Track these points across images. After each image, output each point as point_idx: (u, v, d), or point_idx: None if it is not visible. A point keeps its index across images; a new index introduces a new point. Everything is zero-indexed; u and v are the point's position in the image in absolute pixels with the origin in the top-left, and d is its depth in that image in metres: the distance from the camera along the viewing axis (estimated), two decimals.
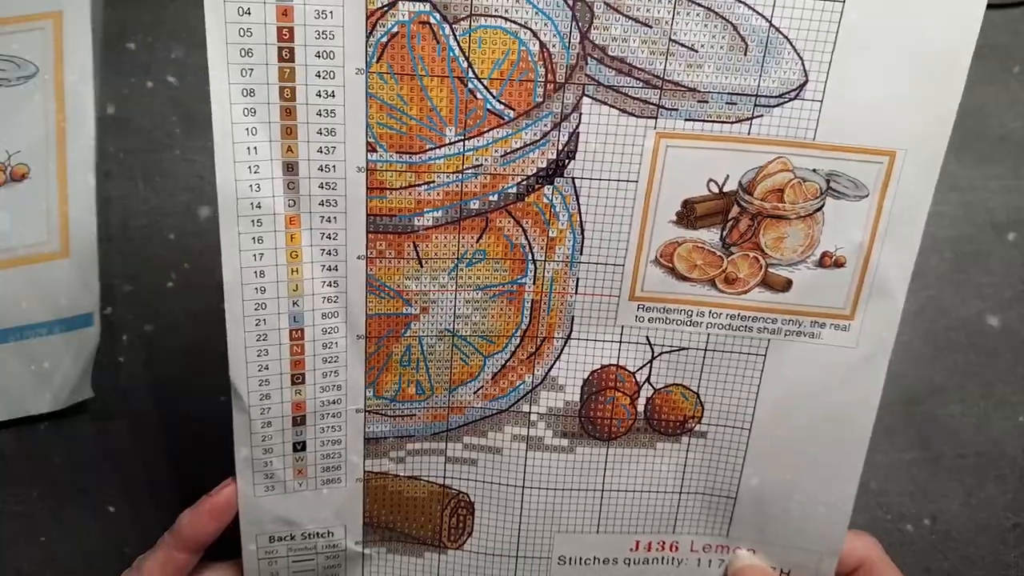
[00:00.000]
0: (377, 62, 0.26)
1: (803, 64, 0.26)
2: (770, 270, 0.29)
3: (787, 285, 0.30)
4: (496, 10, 0.26)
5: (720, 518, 0.32)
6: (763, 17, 0.26)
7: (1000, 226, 0.36)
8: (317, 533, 0.32)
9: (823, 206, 0.28)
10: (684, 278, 0.30)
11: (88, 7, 0.33)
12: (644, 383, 0.32)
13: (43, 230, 0.35)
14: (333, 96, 0.26)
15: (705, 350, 0.31)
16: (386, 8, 0.25)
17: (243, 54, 0.25)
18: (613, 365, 0.31)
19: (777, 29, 0.26)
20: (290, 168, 0.27)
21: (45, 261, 0.35)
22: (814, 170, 0.28)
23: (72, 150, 0.35)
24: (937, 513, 0.39)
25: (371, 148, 0.27)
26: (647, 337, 0.31)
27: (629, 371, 0.31)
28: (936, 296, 0.37)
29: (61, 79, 0.33)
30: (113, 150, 0.36)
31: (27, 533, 0.39)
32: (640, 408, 0.32)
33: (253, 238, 0.27)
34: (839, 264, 0.29)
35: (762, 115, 0.27)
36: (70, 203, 0.35)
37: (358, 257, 0.29)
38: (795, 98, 0.27)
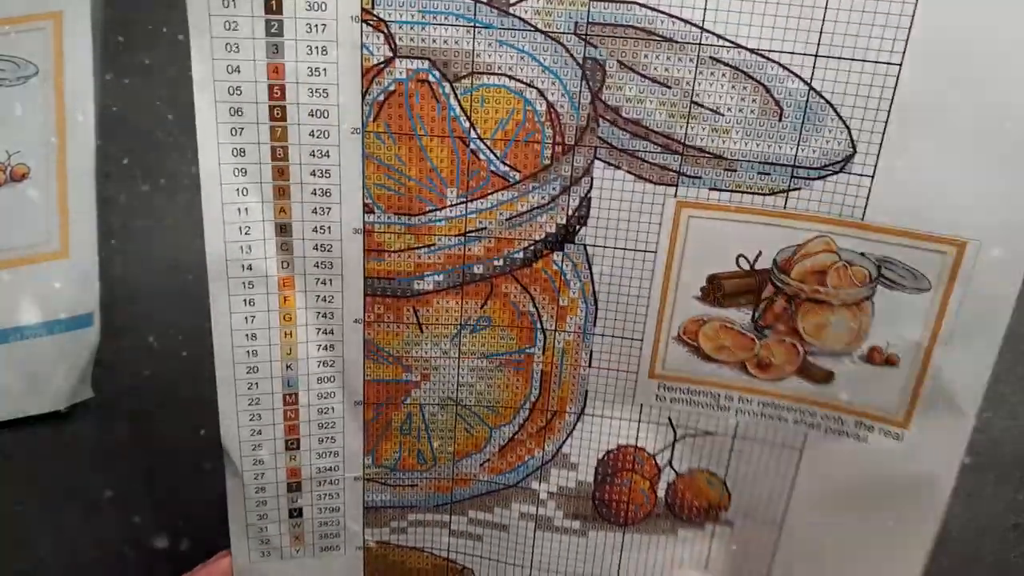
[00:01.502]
0: (373, 121, 0.25)
1: (850, 133, 0.23)
2: (809, 359, 0.26)
3: (828, 377, 0.26)
4: (499, 68, 0.24)
5: None
6: (800, 79, 0.23)
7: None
8: None
9: (873, 295, 0.25)
10: (710, 359, 0.27)
11: (88, 7, 0.33)
12: (665, 466, 0.29)
13: (43, 230, 0.35)
14: (328, 156, 0.25)
15: (734, 437, 0.28)
16: (382, 65, 0.24)
17: (233, 113, 0.24)
18: (631, 446, 0.29)
19: (818, 93, 0.23)
20: (283, 229, 0.26)
21: (45, 261, 0.35)
22: (863, 254, 0.24)
23: (72, 150, 0.34)
24: None
25: (368, 209, 0.26)
26: (669, 419, 0.28)
27: (649, 453, 0.29)
28: None
29: (61, 79, 0.33)
30: (113, 150, 0.36)
31: (27, 533, 0.39)
32: (660, 493, 0.29)
33: (244, 300, 0.26)
34: (891, 362, 0.25)
35: (800, 187, 0.24)
36: (70, 203, 0.35)
37: (355, 321, 0.27)
38: (840, 171, 0.23)
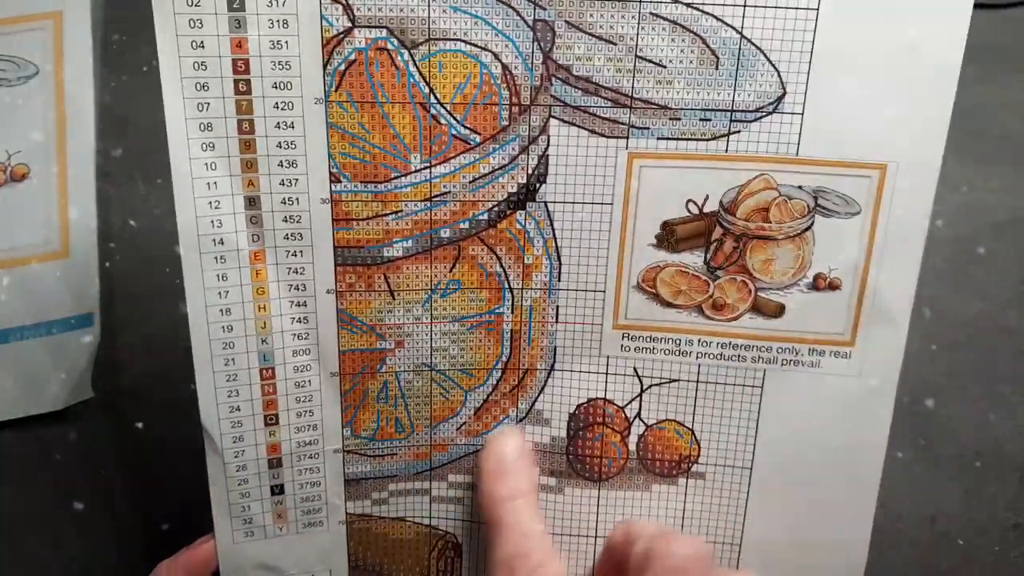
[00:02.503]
0: (336, 91, 0.26)
1: (779, 76, 0.25)
2: (760, 294, 0.28)
3: (780, 310, 0.28)
4: (455, 33, 0.25)
5: (725, 567, 0.30)
6: (733, 28, 0.25)
7: (1000, 226, 0.36)
8: None
9: (812, 225, 0.27)
10: (669, 304, 0.28)
11: (88, 7, 0.33)
12: (635, 419, 0.30)
13: (43, 230, 0.35)
14: (292, 127, 0.26)
15: (697, 382, 0.29)
16: (342, 36, 0.25)
17: (199, 88, 0.25)
18: (600, 399, 0.30)
19: (748, 40, 0.25)
20: (252, 202, 0.26)
21: (45, 261, 0.35)
22: (800, 187, 0.26)
23: (72, 150, 0.35)
24: (937, 513, 0.38)
25: (335, 179, 0.27)
26: (635, 369, 0.29)
27: (618, 405, 0.30)
28: (936, 296, 0.36)
29: (61, 79, 0.33)
30: (113, 150, 0.36)
31: (26, 533, 0.38)
32: (632, 446, 0.30)
33: (217, 275, 0.27)
34: (834, 286, 0.27)
35: (739, 131, 0.26)
36: (70, 203, 0.35)
37: (327, 291, 0.28)
38: (773, 111, 0.25)
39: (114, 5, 0.35)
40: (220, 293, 0.27)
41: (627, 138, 0.26)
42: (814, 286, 0.27)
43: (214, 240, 0.26)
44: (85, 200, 0.35)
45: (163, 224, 0.37)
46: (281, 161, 0.26)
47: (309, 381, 0.29)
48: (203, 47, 0.24)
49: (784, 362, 0.28)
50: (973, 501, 0.38)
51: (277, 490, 0.30)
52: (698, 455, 0.30)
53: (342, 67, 0.25)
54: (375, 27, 0.25)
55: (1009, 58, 0.34)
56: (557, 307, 0.29)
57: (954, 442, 0.38)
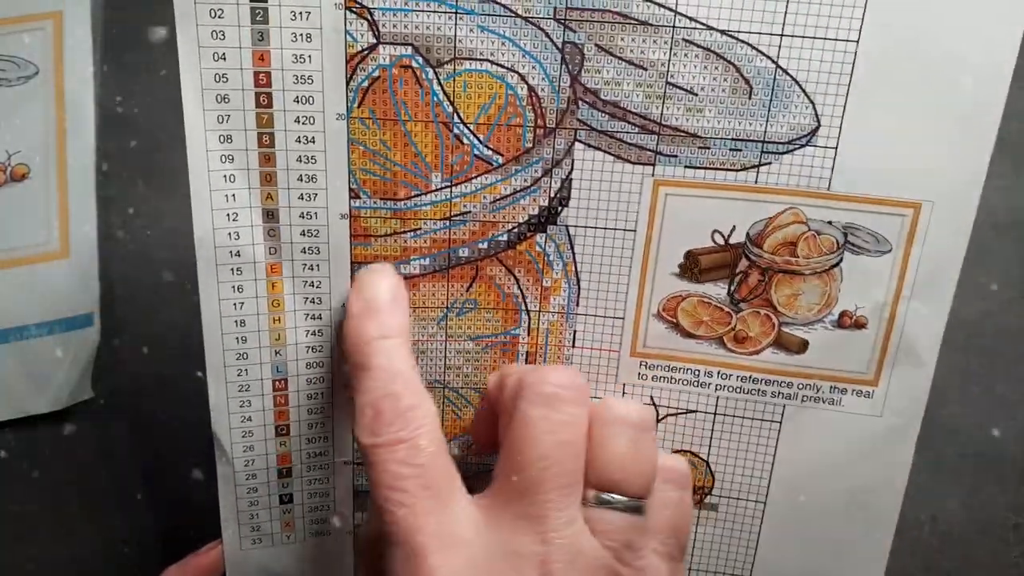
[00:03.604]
0: (358, 107, 0.25)
1: (814, 108, 0.24)
2: (784, 329, 0.27)
3: (803, 346, 0.27)
4: (481, 53, 0.25)
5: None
6: (768, 58, 0.24)
7: (1000, 226, 0.35)
8: None
9: (840, 261, 0.26)
10: (690, 335, 0.28)
11: (88, 7, 0.33)
12: None
13: (43, 230, 0.35)
14: (313, 142, 0.25)
15: (715, 414, 0.29)
16: (366, 52, 0.24)
17: (219, 100, 0.24)
18: None
19: (784, 70, 0.24)
20: (270, 215, 0.26)
21: (45, 261, 0.35)
22: (830, 222, 0.25)
23: (72, 150, 0.35)
24: (937, 513, 0.38)
25: (354, 195, 0.26)
26: (651, 397, 0.29)
27: None
28: None
29: (61, 79, 0.33)
30: (113, 150, 0.36)
31: (27, 533, 0.39)
32: None
33: (233, 287, 0.27)
34: (860, 325, 0.26)
35: (770, 162, 0.25)
36: (70, 203, 0.35)
37: (343, 306, 0.28)
38: (806, 144, 0.25)
39: (114, 5, 0.34)
40: (235, 305, 0.27)
41: (654, 165, 0.26)
42: (839, 324, 0.27)
43: (231, 252, 0.26)
44: (85, 200, 0.35)
45: (163, 224, 0.37)
46: (301, 175, 0.26)
47: (321, 393, 0.29)
48: (225, 59, 0.24)
49: (804, 398, 0.28)
50: (973, 501, 0.38)
51: (286, 499, 0.30)
52: (712, 486, 0.29)
53: (365, 84, 0.25)
54: (400, 44, 0.24)
55: None
56: (575, 332, 0.28)
57: (954, 442, 0.37)
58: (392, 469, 0.22)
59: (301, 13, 0.24)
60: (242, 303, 0.27)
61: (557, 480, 0.21)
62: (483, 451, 0.27)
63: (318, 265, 0.27)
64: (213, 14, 0.23)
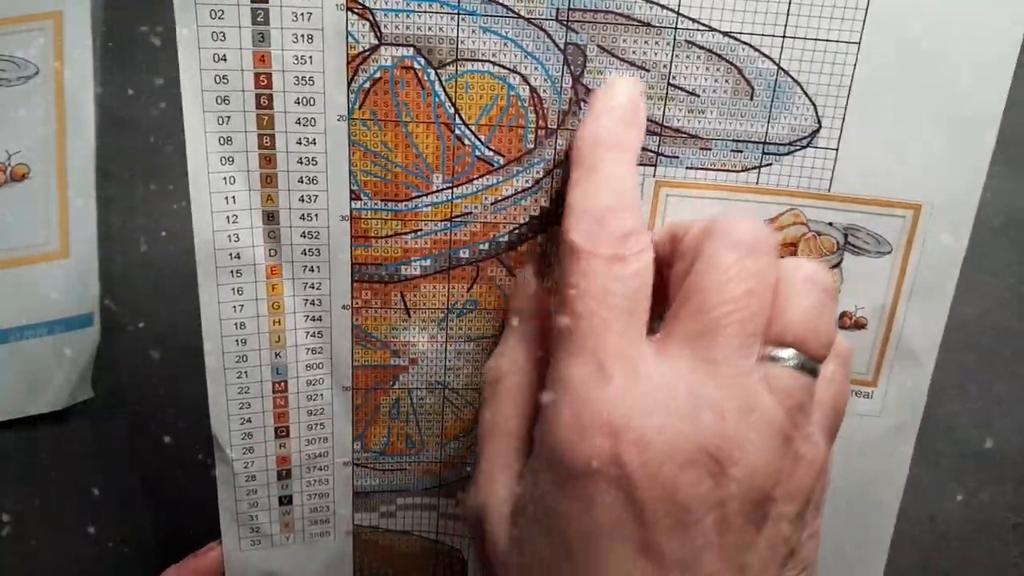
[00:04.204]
0: (360, 108, 0.25)
1: (815, 109, 0.24)
2: None
3: None
4: (483, 54, 0.24)
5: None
6: (770, 59, 0.24)
7: (1000, 226, 0.36)
8: None
9: (841, 262, 0.26)
10: None
11: (88, 7, 0.33)
12: None
13: (43, 230, 0.35)
14: (314, 144, 0.25)
15: None
16: (367, 53, 0.24)
17: (219, 101, 0.24)
18: None
19: (786, 72, 0.24)
20: (270, 217, 0.26)
21: (45, 261, 0.35)
22: (830, 223, 0.26)
23: (72, 150, 0.34)
24: (936, 512, 0.38)
25: (355, 196, 0.26)
26: None
27: None
28: None
29: (61, 79, 0.33)
30: (113, 150, 0.36)
31: (27, 533, 0.39)
32: None
33: (233, 289, 0.26)
34: (859, 325, 0.27)
35: (771, 164, 0.25)
36: (70, 203, 0.35)
37: (343, 307, 0.28)
38: (807, 146, 0.25)
39: (114, 5, 0.34)
40: (235, 307, 0.27)
41: (655, 166, 0.26)
42: (839, 324, 0.27)
43: (230, 254, 0.26)
44: (85, 200, 0.35)
45: (164, 224, 0.37)
46: (301, 177, 0.26)
47: (321, 395, 0.29)
48: (225, 60, 0.24)
49: None
50: (973, 501, 0.38)
51: (285, 500, 0.30)
52: None
53: (367, 85, 0.25)
54: (402, 45, 0.24)
55: None
56: None
57: (953, 442, 0.38)
58: (602, 282, 0.21)
59: (302, 14, 0.24)
60: (242, 305, 0.27)
61: (743, 327, 0.20)
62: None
63: (318, 267, 0.27)
64: (213, 15, 0.23)
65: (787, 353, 0.21)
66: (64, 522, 0.39)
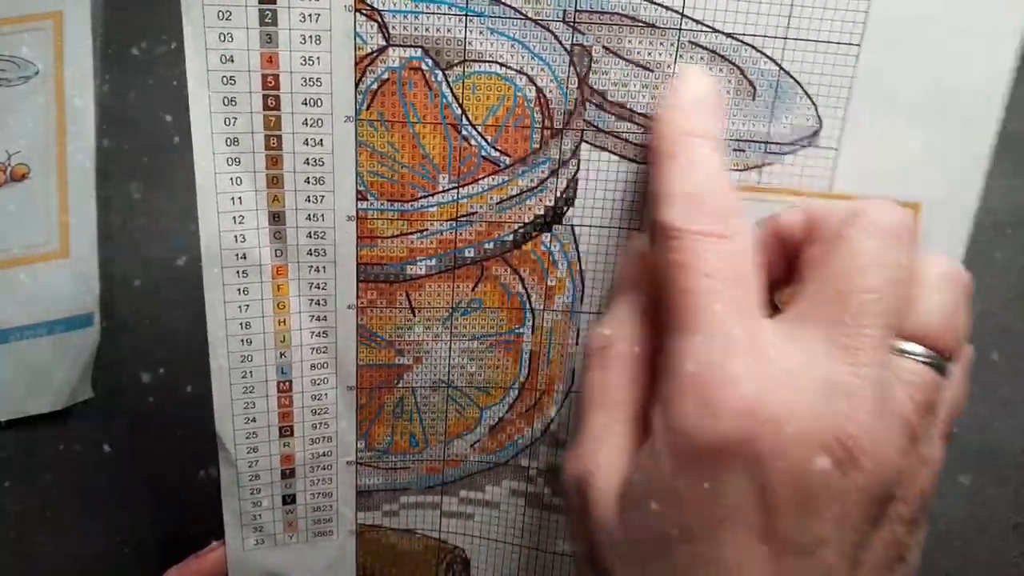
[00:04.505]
0: (367, 109, 0.25)
1: (816, 110, 0.25)
2: None
3: None
4: (491, 55, 0.25)
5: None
6: (772, 60, 0.24)
7: (1000, 226, 0.36)
8: None
9: None
10: None
11: (88, 7, 0.33)
12: None
13: (43, 230, 0.35)
14: (321, 144, 0.25)
15: None
16: (375, 54, 0.24)
17: (226, 102, 0.24)
18: None
19: (787, 72, 0.24)
20: (276, 218, 0.26)
21: (45, 261, 0.35)
22: None
23: (72, 150, 0.34)
24: (937, 513, 0.38)
25: (361, 197, 0.26)
26: None
27: None
28: None
29: (61, 79, 0.33)
30: (113, 150, 0.36)
31: (27, 533, 0.39)
32: None
33: (238, 289, 0.27)
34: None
35: (772, 163, 0.25)
36: (70, 203, 0.35)
37: (348, 307, 0.28)
38: (808, 145, 0.25)
39: (114, 5, 0.34)
40: (240, 307, 0.27)
41: None
42: None
43: (236, 255, 0.26)
44: (85, 200, 0.35)
45: (164, 224, 0.37)
46: (308, 178, 0.26)
47: (326, 394, 0.29)
48: (232, 61, 0.24)
49: None
50: (973, 501, 0.38)
51: (289, 500, 0.30)
52: None
53: (374, 86, 0.25)
54: (410, 46, 0.24)
55: None
56: (578, 330, 0.29)
57: (954, 442, 0.38)
58: (706, 258, 0.20)
59: (311, 15, 0.24)
60: (247, 305, 0.27)
61: (884, 316, 0.20)
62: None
63: (324, 267, 0.27)
64: (221, 16, 0.23)
65: (920, 349, 0.21)
66: (64, 522, 0.39)
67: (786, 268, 0.23)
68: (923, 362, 0.21)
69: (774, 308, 0.22)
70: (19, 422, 0.37)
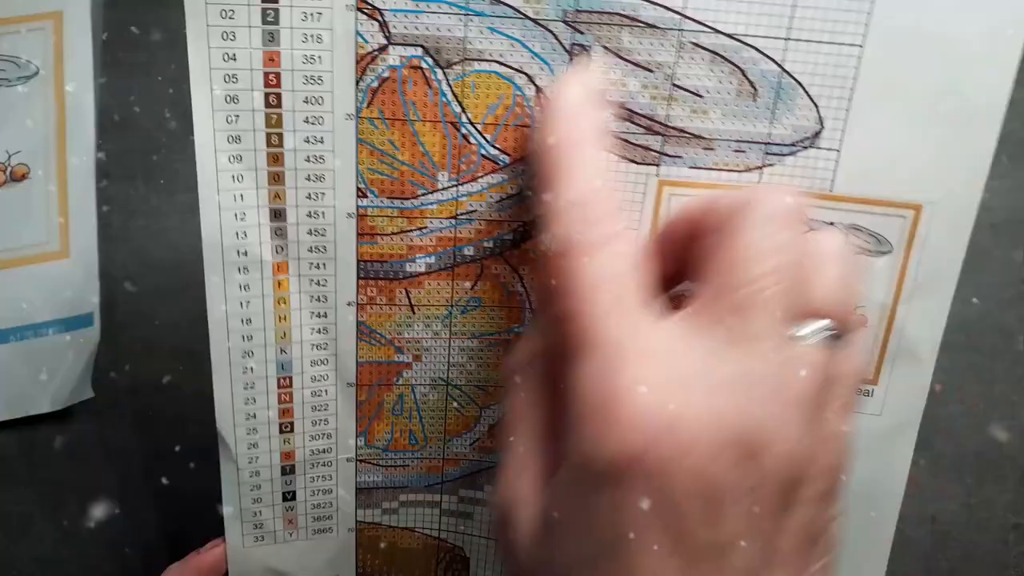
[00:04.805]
0: (367, 107, 0.25)
1: (818, 111, 0.25)
2: None
3: None
4: (490, 54, 0.25)
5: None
6: (773, 61, 0.24)
7: (1000, 226, 0.36)
8: None
9: None
10: None
11: (88, 7, 0.33)
12: None
13: (43, 230, 0.35)
14: (322, 142, 0.25)
15: None
16: (376, 53, 0.25)
17: (228, 100, 0.24)
18: None
19: (789, 74, 0.24)
20: (277, 215, 0.26)
21: (45, 261, 0.35)
22: (832, 223, 0.26)
23: (72, 150, 0.35)
24: (937, 513, 0.38)
25: (361, 194, 0.26)
26: None
27: None
28: None
29: (61, 79, 0.33)
30: (113, 150, 0.36)
31: (27, 533, 0.39)
32: None
33: (240, 285, 0.27)
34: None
35: (773, 164, 0.25)
36: (70, 203, 0.35)
37: (348, 304, 0.28)
38: (810, 147, 0.25)
39: (114, 5, 0.34)
40: (242, 303, 0.27)
41: (658, 166, 0.26)
42: None
43: (238, 251, 0.26)
44: (85, 200, 0.35)
45: (164, 224, 0.37)
46: (309, 175, 0.26)
47: (326, 391, 0.29)
48: (235, 59, 0.24)
49: None
50: (973, 501, 0.38)
51: (289, 496, 0.30)
52: None
53: (375, 84, 0.25)
54: (410, 45, 0.24)
55: None
56: None
57: (954, 442, 0.38)
58: (586, 271, 0.20)
59: (312, 14, 0.24)
60: (248, 301, 0.27)
61: (775, 303, 0.19)
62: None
63: (324, 264, 0.27)
64: (224, 15, 0.23)
65: (815, 325, 0.20)
66: (64, 522, 0.39)
67: (681, 263, 0.23)
68: (822, 339, 0.20)
69: (675, 306, 0.22)
70: (19, 422, 0.37)
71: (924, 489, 0.38)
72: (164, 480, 0.39)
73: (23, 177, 0.34)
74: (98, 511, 0.39)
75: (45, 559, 0.39)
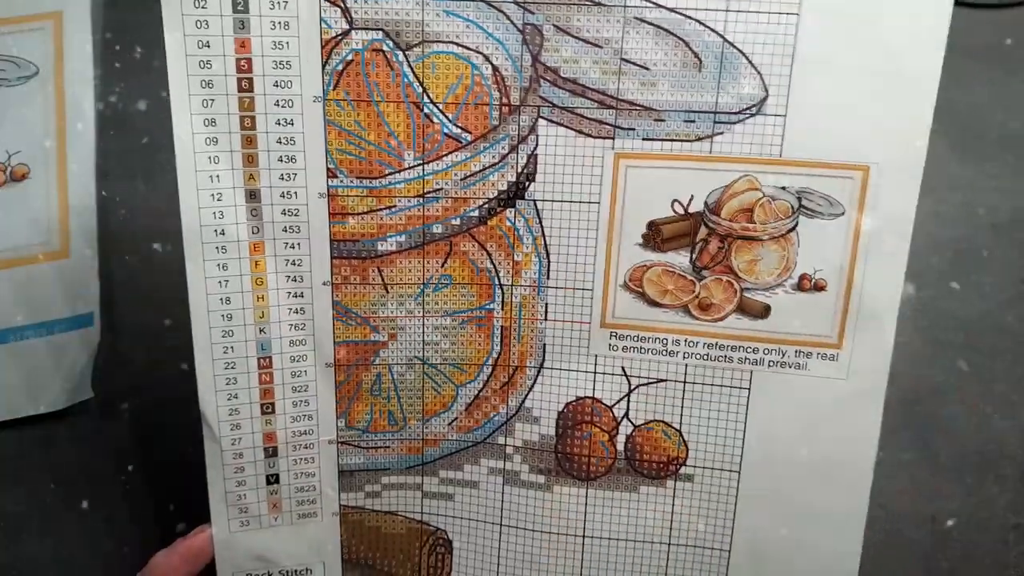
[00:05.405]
0: (334, 89, 0.27)
1: (762, 79, 0.26)
2: (746, 295, 0.28)
3: (765, 311, 0.28)
4: (448, 36, 0.26)
5: (715, 574, 0.30)
6: (715, 32, 0.25)
7: (1000, 226, 0.36)
8: (295, 571, 0.32)
9: (796, 225, 0.27)
10: (656, 304, 0.29)
11: (88, 7, 0.34)
12: (622, 419, 0.30)
13: (43, 230, 0.35)
14: (292, 124, 0.27)
15: (684, 383, 0.29)
16: (340, 37, 0.26)
17: (204, 85, 0.26)
18: (588, 397, 0.30)
19: (731, 44, 0.25)
20: (252, 195, 0.28)
21: (45, 261, 0.36)
22: (783, 188, 0.27)
23: (72, 150, 0.35)
24: (937, 513, 0.38)
25: (331, 174, 0.28)
26: (623, 368, 0.30)
27: (606, 404, 0.30)
28: (936, 296, 0.36)
29: (61, 79, 0.34)
30: (113, 150, 0.37)
31: (27, 533, 0.39)
32: (620, 446, 0.30)
33: (218, 265, 0.28)
34: (820, 287, 0.27)
35: (723, 132, 0.26)
36: (70, 203, 0.35)
37: (323, 283, 0.29)
38: (756, 114, 0.26)
39: (114, 5, 0.35)
40: (220, 283, 0.28)
41: (613, 139, 0.27)
42: (799, 287, 0.27)
43: (215, 231, 0.28)
44: (85, 200, 0.36)
45: (163, 224, 0.38)
46: (281, 156, 0.27)
47: (305, 371, 0.30)
48: (208, 47, 0.26)
49: (771, 363, 0.29)
50: (973, 501, 0.38)
51: (272, 479, 0.31)
52: (686, 457, 0.30)
53: (340, 67, 0.26)
54: (372, 29, 0.26)
55: (1009, 58, 0.35)
56: (547, 305, 0.29)
57: (954, 442, 0.38)
58: None
59: (279, 2, 0.25)
60: (227, 280, 0.28)
61: None
62: None
63: (299, 243, 0.28)
64: (197, 4, 0.25)
65: None
66: (63, 521, 0.40)
67: None
68: None
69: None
70: (19, 422, 0.38)
71: (924, 489, 0.38)
72: (164, 480, 0.39)
73: (23, 177, 0.35)
74: (97, 510, 0.40)
75: (44, 558, 0.40)
